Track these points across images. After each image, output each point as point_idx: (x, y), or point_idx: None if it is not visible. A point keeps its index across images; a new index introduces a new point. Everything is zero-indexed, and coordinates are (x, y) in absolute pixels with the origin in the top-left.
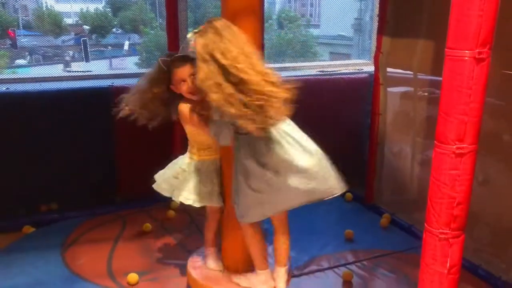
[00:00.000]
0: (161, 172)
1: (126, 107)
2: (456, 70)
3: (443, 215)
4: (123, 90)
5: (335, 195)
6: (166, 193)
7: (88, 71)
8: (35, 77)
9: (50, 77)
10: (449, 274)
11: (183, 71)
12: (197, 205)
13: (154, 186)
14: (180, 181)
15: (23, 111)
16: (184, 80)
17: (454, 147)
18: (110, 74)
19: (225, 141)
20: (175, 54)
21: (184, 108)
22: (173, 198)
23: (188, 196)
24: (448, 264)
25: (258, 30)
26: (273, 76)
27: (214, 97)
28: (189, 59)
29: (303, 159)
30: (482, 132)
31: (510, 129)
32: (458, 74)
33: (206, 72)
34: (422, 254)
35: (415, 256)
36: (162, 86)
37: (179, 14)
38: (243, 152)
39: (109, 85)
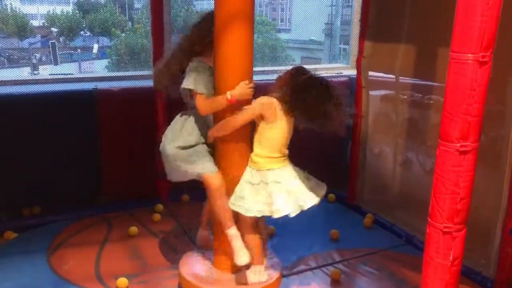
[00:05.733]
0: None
1: None
2: (460, 72)
3: (447, 210)
4: (107, 92)
5: None
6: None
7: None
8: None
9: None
10: (452, 266)
11: None
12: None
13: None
14: None
15: (3, 114)
16: None
17: (458, 145)
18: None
19: None
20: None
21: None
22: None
23: None
24: (451, 257)
25: (250, 33)
26: None
27: None
28: None
29: None
30: None
31: (486, 130)
32: (462, 76)
33: None
34: (426, 248)
35: (399, 254)
36: None
37: (164, 16)
38: None
39: (93, 88)
